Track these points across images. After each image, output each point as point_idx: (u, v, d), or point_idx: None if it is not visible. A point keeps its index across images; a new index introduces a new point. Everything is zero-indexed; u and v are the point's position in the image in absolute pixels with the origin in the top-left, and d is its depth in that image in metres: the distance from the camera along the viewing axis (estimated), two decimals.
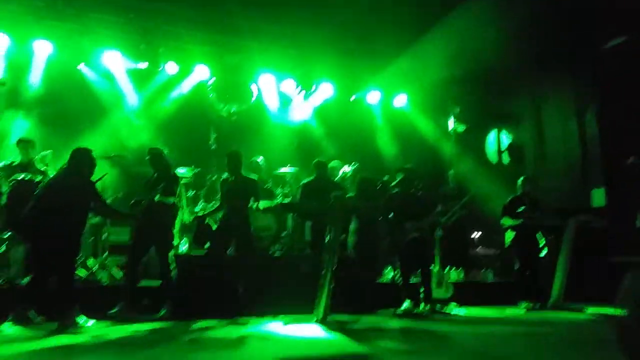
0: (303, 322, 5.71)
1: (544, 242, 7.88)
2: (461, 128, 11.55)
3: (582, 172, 9.74)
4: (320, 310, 5.77)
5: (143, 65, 9.40)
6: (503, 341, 5.02)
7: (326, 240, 5.98)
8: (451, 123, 11.71)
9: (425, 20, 9.25)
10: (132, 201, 6.12)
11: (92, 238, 7.21)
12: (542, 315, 6.80)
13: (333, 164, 8.58)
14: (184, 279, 6.24)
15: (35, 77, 8.73)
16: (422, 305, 6.78)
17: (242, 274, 6.35)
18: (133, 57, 9.37)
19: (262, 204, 6.74)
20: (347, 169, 8.58)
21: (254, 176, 7.01)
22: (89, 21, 8.85)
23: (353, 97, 11.10)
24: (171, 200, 6.25)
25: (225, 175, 6.75)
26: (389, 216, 7.08)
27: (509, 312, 7.13)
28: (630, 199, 7.66)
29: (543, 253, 7.97)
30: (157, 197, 6.00)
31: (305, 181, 7.62)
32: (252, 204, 6.60)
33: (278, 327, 5.46)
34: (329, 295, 5.78)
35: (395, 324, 6.05)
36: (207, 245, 6.80)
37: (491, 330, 5.69)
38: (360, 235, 7.18)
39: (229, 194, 6.56)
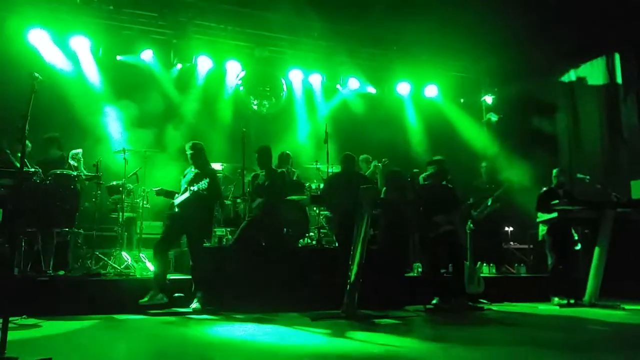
0: (331, 316, 5.72)
1: (577, 236, 7.68)
2: (495, 118, 11.32)
3: (620, 162, 9.43)
4: (348, 304, 5.78)
5: (178, 65, 9.63)
6: (537, 339, 4.92)
7: (355, 234, 5.95)
8: (484, 112, 11.52)
9: (457, 9, 9.06)
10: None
11: (126, 232, 7.37)
12: (576, 312, 6.65)
13: (363, 157, 8.55)
14: (214, 272, 6.33)
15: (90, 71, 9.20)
16: (452, 301, 6.70)
17: (272, 268, 6.42)
18: (166, 54, 9.55)
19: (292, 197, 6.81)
20: (376, 163, 8.53)
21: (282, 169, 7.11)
22: (124, 17, 9.13)
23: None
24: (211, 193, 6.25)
25: (257, 170, 6.86)
26: (420, 209, 7.01)
27: (542, 308, 6.99)
28: None
29: (578, 247, 7.78)
30: (197, 187, 6.05)
31: (331, 174, 7.62)
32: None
33: (306, 323, 5.49)
34: (357, 289, 5.78)
35: (424, 319, 6.02)
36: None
37: (523, 328, 5.59)
38: (389, 229, 7.14)
39: (260, 187, 6.63)
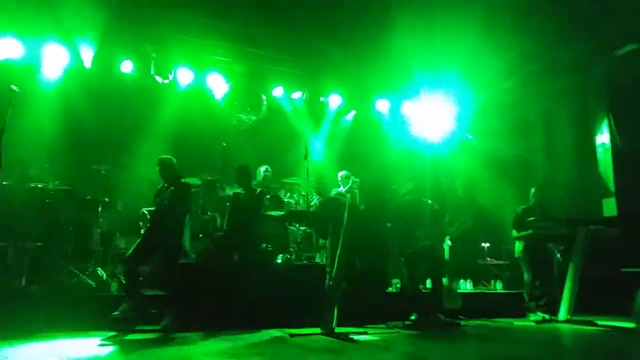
0: (309, 333, 5.67)
1: (556, 252, 7.80)
2: (470, 136, 11.50)
3: (593, 180, 9.66)
4: (327, 321, 5.75)
5: (158, 78, 9.58)
6: (513, 356, 4.96)
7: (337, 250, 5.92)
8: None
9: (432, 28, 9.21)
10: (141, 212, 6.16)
11: (101, 247, 7.24)
12: (551, 328, 6.73)
13: (343, 173, 8.62)
14: (186, 288, 6.21)
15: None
16: (431, 317, 6.72)
17: (247, 283, 6.34)
18: (145, 66, 9.49)
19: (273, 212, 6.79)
20: (355, 179, 8.60)
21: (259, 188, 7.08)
22: (104, 29, 9.03)
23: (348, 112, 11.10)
24: (180, 208, 6.12)
25: (235, 188, 6.82)
26: (399, 225, 7.04)
27: (518, 324, 7.07)
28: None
29: (557, 256, 7.89)
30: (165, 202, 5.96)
31: (328, 198, 7.68)
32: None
33: (284, 339, 5.44)
34: (336, 305, 5.75)
35: (402, 336, 6.01)
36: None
37: (500, 344, 5.63)
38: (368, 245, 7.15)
39: (239, 206, 6.58)
